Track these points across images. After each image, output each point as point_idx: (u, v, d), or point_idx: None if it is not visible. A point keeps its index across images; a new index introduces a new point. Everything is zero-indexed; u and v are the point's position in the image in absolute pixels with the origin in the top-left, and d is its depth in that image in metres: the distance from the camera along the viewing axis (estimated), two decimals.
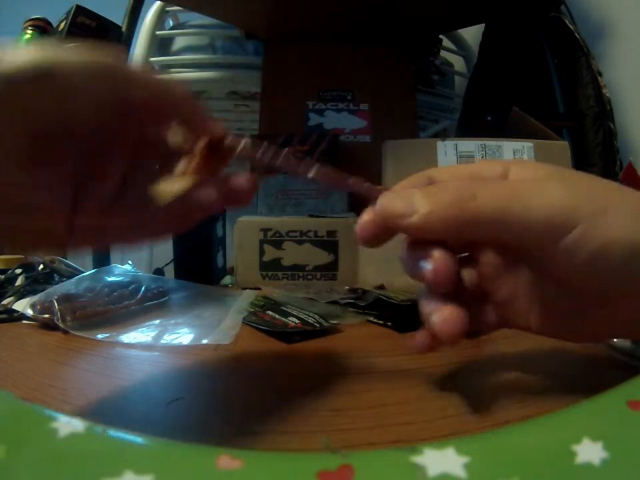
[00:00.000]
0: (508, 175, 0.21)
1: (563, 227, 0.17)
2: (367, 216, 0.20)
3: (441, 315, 0.19)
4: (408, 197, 0.19)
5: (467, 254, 0.22)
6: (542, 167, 0.20)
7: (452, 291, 0.19)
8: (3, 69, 0.17)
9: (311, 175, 0.22)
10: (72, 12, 0.73)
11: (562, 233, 0.17)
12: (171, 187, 0.22)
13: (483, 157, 0.53)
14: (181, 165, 0.23)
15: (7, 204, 0.19)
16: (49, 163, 0.20)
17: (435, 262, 0.19)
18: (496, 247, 0.21)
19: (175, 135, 0.23)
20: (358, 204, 0.66)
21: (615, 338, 0.25)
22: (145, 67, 0.22)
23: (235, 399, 0.23)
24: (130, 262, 0.55)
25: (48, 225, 0.21)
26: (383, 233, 0.20)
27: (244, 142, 0.22)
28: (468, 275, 0.21)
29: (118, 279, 0.45)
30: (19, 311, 0.36)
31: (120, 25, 0.80)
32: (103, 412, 0.21)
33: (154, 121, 0.22)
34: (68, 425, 0.12)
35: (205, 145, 0.22)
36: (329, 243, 0.52)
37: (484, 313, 0.22)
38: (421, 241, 0.20)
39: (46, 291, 0.37)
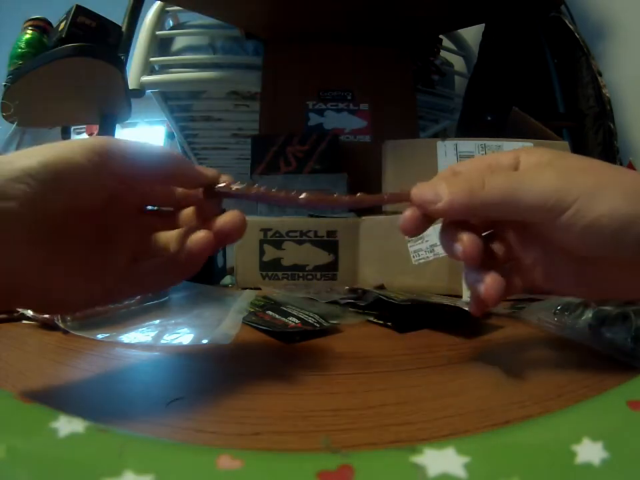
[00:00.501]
0: (519, 162, 0.24)
1: (558, 207, 0.21)
2: (407, 212, 0.24)
3: (483, 283, 0.23)
4: (434, 187, 0.23)
5: (491, 231, 0.26)
6: (547, 153, 0.24)
7: (485, 263, 0.23)
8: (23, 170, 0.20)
9: (301, 201, 0.25)
10: (72, 12, 0.73)
11: (558, 212, 0.21)
12: (174, 236, 0.25)
13: None
14: (183, 214, 0.27)
15: (37, 287, 0.22)
16: (66, 245, 0.22)
17: (463, 244, 0.23)
18: (512, 225, 0.25)
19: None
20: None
21: (614, 297, 0.28)
22: (132, 145, 0.23)
23: (235, 399, 0.22)
24: None
25: (80, 296, 0.24)
26: (421, 223, 0.24)
27: (235, 185, 0.25)
28: (497, 247, 0.26)
29: None
30: (19, 311, 0.36)
31: (120, 24, 0.80)
32: (103, 412, 0.21)
33: (151, 189, 0.26)
34: (68, 424, 0.12)
35: (202, 193, 0.25)
36: (329, 243, 0.52)
37: (512, 280, 0.26)
38: (452, 223, 0.24)
39: None
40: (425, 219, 0.24)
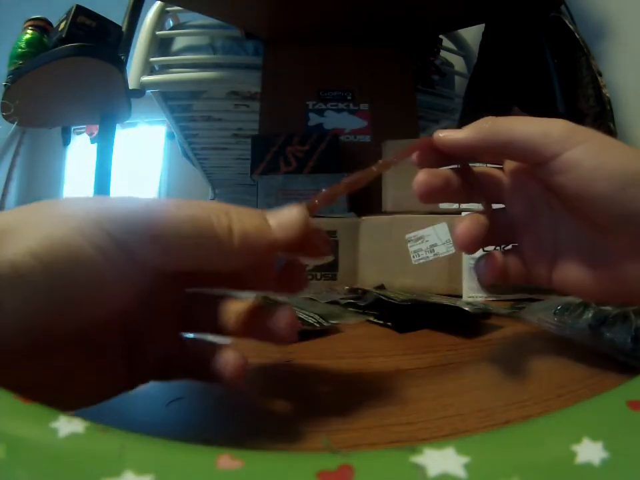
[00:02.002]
0: None
1: (561, 143, 0.21)
2: (461, 226, 0.24)
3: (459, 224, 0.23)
4: (452, 131, 0.24)
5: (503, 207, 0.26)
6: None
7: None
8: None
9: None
10: (72, 12, 0.73)
11: (560, 147, 0.21)
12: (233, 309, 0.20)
13: None
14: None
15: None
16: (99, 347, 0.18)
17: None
18: (521, 192, 0.25)
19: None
20: (358, 204, 0.66)
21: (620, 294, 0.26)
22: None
23: (235, 399, 0.22)
24: None
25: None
26: (435, 157, 0.25)
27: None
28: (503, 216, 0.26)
29: None
30: None
31: (120, 24, 0.80)
32: (103, 412, 0.21)
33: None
34: (68, 424, 0.12)
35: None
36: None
37: (514, 264, 0.26)
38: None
39: None
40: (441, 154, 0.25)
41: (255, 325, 0.19)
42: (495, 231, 0.25)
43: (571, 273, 0.24)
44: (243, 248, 0.17)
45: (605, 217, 0.21)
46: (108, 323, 0.18)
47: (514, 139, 0.22)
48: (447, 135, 0.24)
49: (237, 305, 0.20)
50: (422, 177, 0.25)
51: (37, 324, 0.14)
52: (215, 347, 0.19)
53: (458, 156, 0.25)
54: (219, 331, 0.20)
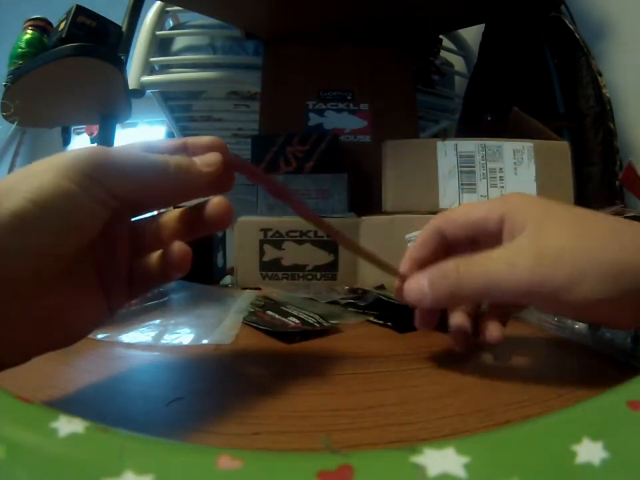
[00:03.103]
0: (502, 229, 0.24)
1: (537, 294, 0.21)
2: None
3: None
4: (419, 287, 0.24)
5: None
6: (531, 216, 0.23)
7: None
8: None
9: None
10: (72, 12, 0.73)
11: (538, 298, 0.22)
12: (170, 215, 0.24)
13: (482, 157, 0.53)
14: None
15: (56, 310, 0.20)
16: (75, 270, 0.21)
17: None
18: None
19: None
20: (358, 204, 0.66)
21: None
22: (129, 160, 0.21)
23: (235, 399, 0.22)
24: None
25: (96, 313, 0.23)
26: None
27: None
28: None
29: None
30: None
31: (120, 24, 0.80)
32: (103, 412, 0.21)
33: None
34: (68, 424, 0.12)
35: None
36: (329, 243, 0.52)
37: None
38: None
39: None
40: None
41: (192, 221, 0.24)
42: None
43: None
44: (177, 175, 0.22)
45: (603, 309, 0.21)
46: (83, 256, 0.21)
47: (489, 285, 0.22)
48: (409, 291, 0.25)
49: (173, 212, 0.24)
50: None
51: (34, 257, 0.18)
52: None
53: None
54: (166, 241, 0.23)
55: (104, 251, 0.22)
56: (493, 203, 0.25)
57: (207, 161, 0.23)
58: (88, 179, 0.19)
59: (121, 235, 0.23)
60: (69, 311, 0.21)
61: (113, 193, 0.20)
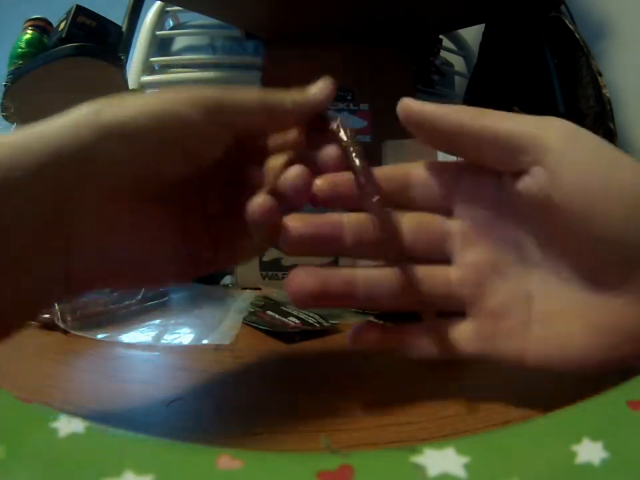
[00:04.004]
0: None
1: (558, 149, 0.18)
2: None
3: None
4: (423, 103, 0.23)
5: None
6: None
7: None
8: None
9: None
10: (72, 12, 0.73)
11: (556, 152, 0.18)
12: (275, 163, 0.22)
13: None
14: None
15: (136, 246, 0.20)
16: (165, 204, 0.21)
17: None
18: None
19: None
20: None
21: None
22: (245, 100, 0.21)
23: (235, 399, 0.22)
24: None
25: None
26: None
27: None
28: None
29: None
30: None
31: (120, 24, 0.80)
32: (103, 412, 0.21)
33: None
34: (68, 424, 0.12)
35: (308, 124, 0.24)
36: None
37: (461, 332, 0.21)
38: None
39: None
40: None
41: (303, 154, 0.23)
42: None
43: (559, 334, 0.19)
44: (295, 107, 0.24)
45: (608, 251, 0.17)
46: (182, 195, 0.21)
47: (499, 132, 0.18)
48: (412, 106, 0.22)
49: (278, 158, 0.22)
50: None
51: (142, 172, 0.18)
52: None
53: (423, 141, 0.22)
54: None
55: (200, 198, 0.22)
56: None
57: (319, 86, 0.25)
58: (206, 111, 0.19)
59: (216, 187, 0.23)
60: (155, 246, 0.21)
61: (231, 123, 0.20)
